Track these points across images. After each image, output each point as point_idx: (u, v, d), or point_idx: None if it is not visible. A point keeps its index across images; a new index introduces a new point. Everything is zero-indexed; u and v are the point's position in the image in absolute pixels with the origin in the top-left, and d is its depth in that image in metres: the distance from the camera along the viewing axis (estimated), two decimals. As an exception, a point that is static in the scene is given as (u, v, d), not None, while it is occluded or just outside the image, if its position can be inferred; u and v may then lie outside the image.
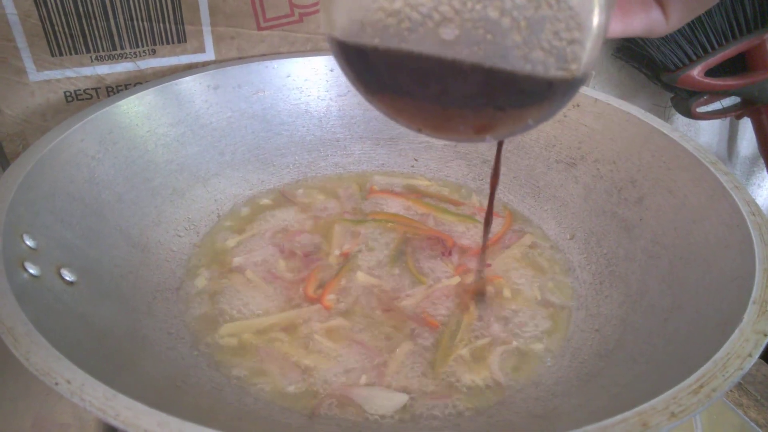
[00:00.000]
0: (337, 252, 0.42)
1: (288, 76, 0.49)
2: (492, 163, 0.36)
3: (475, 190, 0.50)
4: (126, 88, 0.46)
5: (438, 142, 0.52)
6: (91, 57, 0.44)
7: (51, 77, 0.44)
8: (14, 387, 0.36)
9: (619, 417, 0.22)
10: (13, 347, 0.24)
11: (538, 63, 0.20)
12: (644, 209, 0.40)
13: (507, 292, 0.40)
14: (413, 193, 0.49)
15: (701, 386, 0.24)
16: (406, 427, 0.31)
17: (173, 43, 0.47)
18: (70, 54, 0.44)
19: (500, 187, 0.48)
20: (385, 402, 0.32)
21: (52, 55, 0.43)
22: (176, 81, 0.44)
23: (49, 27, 0.42)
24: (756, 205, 0.33)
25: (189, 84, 0.45)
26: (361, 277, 0.40)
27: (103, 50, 0.45)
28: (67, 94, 0.45)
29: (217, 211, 0.45)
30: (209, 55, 0.48)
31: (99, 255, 0.35)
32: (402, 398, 0.32)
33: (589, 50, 0.21)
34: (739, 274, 0.30)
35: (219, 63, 0.48)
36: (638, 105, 0.43)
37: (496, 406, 0.32)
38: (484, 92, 0.22)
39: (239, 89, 0.47)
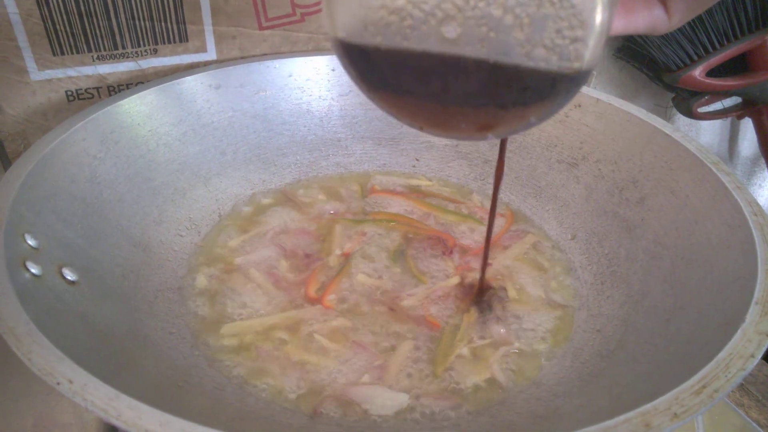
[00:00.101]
0: (338, 252, 0.42)
1: (290, 76, 0.49)
2: (495, 162, 0.35)
3: (476, 190, 0.50)
4: (127, 88, 0.46)
5: (439, 142, 0.52)
6: (92, 56, 0.44)
7: (52, 76, 0.44)
8: (15, 386, 0.36)
9: (621, 417, 0.22)
10: (15, 347, 0.24)
11: (540, 61, 0.20)
12: (646, 209, 0.40)
13: (508, 292, 0.39)
14: (414, 192, 0.49)
15: (703, 387, 0.24)
16: (407, 427, 0.31)
17: (175, 42, 0.46)
18: (72, 53, 0.44)
19: (502, 187, 0.48)
20: (387, 402, 0.32)
21: (54, 55, 0.43)
22: (178, 80, 0.44)
23: (51, 26, 0.42)
24: (758, 205, 0.33)
25: (190, 83, 0.45)
26: (362, 277, 0.40)
27: (105, 49, 0.45)
28: (69, 93, 0.45)
29: (219, 211, 0.45)
30: (211, 54, 0.48)
31: (100, 254, 0.35)
32: (403, 398, 0.32)
33: (592, 48, 0.21)
34: (741, 274, 0.30)
35: (221, 62, 0.48)
36: (639, 105, 0.43)
37: (497, 406, 0.32)
38: (486, 90, 0.22)
39: (241, 89, 0.47)
